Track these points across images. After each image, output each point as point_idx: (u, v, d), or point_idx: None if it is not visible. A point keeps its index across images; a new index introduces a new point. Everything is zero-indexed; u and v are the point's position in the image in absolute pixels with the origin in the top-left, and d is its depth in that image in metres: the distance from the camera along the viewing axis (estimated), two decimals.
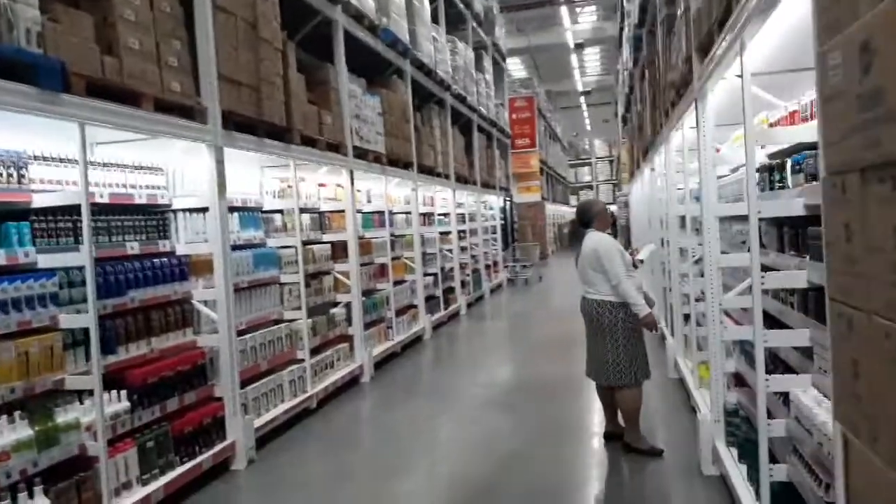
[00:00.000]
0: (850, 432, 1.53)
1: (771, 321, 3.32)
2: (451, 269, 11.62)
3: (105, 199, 3.84)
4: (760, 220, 3.60)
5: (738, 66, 3.19)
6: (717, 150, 4.48)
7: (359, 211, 7.52)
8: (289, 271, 5.86)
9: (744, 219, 4.06)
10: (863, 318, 1.41)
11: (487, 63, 15.40)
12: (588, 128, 44.13)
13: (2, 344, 3.13)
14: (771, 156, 3.56)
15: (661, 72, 6.49)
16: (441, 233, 11.11)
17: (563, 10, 22.82)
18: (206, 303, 4.62)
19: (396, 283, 8.61)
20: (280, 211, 6.03)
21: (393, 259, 8.53)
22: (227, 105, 4.62)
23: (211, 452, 4.33)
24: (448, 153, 11.19)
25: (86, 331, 3.51)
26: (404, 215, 9.46)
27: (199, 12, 4.45)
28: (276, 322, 5.64)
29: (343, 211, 7.11)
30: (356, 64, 7.17)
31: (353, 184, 6.99)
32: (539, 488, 4.15)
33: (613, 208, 19.59)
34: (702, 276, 5.25)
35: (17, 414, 3.14)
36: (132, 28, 3.74)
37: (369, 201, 8.23)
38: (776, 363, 3.41)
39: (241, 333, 4.93)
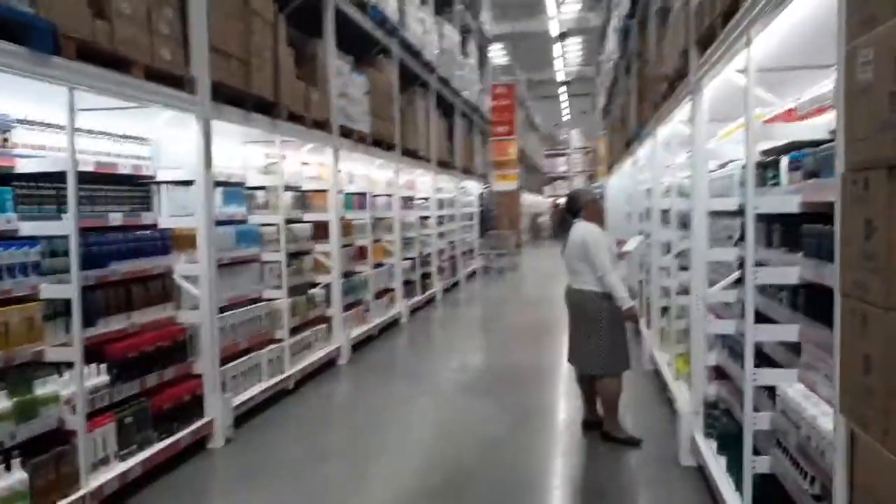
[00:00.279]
0: (857, 426, 1.55)
1: (755, 316, 3.36)
2: (429, 255, 11.60)
3: (90, 168, 3.73)
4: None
5: (739, 60, 3.21)
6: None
7: (340, 191, 7.44)
8: (270, 249, 5.78)
9: (731, 214, 4.12)
10: (880, 314, 1.43)
11: (472, 47, 15.33)
12: (565, 118, 44.29)
13: None
14: (763, 153, 3.59)
15: (651, 64, 6.51)
16: (420, 217, 11.07)
17: None
18: (187, 278, 4.54)
19: (375, 265, 8.56)
20: (262, 188, 5.93)
21: (373, 242, 8.47)
22: (216, 76, 4.52)
23: (189, 430, 4.27)
24: (430, 137, 11.13)
25: (67, 302, 3.42)
26: (385, 198, 9.40)
27: None
28: (255, 301, 5.57)
29: (325, 191, 7.02)
30: (343, 41, 7.07)
31: (337, 163, 6.91)
32: (516, 473, 4.18)
33: None
34: (682, 269, 5.33)
35: None
36: None
37: (351, 182, 8.15)
38: (759, 358, 3.46)
39: (221, 311, 4.86)
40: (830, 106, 2.88)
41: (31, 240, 3.32)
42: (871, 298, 1.45)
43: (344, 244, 7.34)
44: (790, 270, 2.85)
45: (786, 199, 2.87)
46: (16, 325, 3.17)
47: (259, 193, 5.88)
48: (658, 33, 6.14)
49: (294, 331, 6.08)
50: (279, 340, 5.76)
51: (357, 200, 8.14)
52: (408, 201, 10.53)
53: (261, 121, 5.23)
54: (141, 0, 3.77)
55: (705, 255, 4.08)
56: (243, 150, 6.07)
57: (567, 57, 32.41)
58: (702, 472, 3.90)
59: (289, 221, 6.12)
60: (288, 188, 6.18)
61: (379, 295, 8.63)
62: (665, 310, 6.37)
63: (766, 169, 3.45)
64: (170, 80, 4.07)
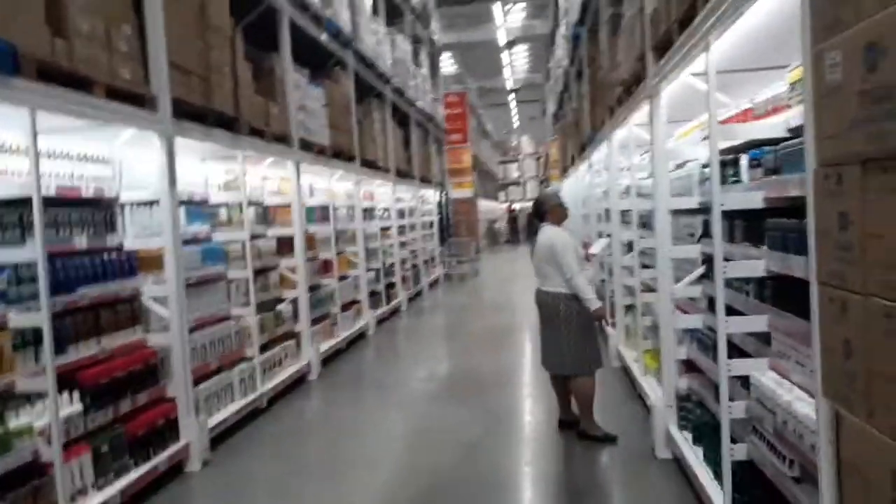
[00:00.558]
0: (842, 408, 1.64)
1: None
2: (393, 265, 11.60)
3: (51, 192, 3.65)
4: (708, 212, 3.78)
5: (697, 64, 3.34)
6: None
7: (302, 205, 7.39)
8: (235, 267, 5.72)
9: (690, 212, 4.26)
10: (859, 300, 1.52)
11: (424, 57, 15.42)
12: (515, 125, 44.81)
13: None
14: (722, 151, 3.72)
15: (604, 69, 6.67)
16: (382, 228, 11.07)
17: (497, 6, 23.04)
18: (155, 299, 4.46)
19: (341, 278, 8.53)
20: (225, 204, 5.87)
21: (337, 254, 8.44)
22: (177, 93, 4.46)
23: (166, 454, 4.19)
24: (388, 147, 11.15)
25: (35, 330, 3.33)
26: (346, 210, 9.37)
27: None
28: (223, 320, 5.49)
29: (287, 205, 6.98)
30: (299, 54, 7.04)
31: (299, 177, 6.87)
32: (494, 476, 4.23)
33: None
34: (644, 267, 5.47)
35: None
36: (83, 11, 3.55)
37: (312, 195, 8.11)
38: (729, 348, 3.57)
39: (190, 331, 4.78)
40: (786, 105, 3.03)
41: None
42: (850, 286, 1.54)
43: (308, 258, 7.30)
44: (757, 263, 2.97)
45: (750, 196, 2.99)
46: None
47: (221, 210, 5.81)
48: (610, 40, 6.30)
49: (263, 348, 6.01)
50: (250, 358, 5.69)
51: (319, 213, 8.10)
52: (369, 212, 10.53)
53: (222, 136, 5.18)
54: (99, 18, 3.70)
55: (670, 253, 4.20)
56: (202, 167, 6.00)
57: (514, 65, 32.84)
58: (678, 463, 4.01)
59: (253, 237, 6.06)
60: (251, 203, 6.13)
61: (345, 307, 8.59)
62: (629, 307, 6.52)
63: (726, 167, 3.58)
64: (131, 98, 4.00)
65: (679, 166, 4.73)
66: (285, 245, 6.86)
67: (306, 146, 7.06)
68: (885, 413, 1.44)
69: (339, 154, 8.25)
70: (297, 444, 5.07)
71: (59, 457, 3.29)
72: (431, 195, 16.40)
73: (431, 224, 16.06)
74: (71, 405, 3.55)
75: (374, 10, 10.78)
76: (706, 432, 3.70)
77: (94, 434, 3.71)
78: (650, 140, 4.36)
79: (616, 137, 6.41)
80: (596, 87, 7.60)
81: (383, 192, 11.77)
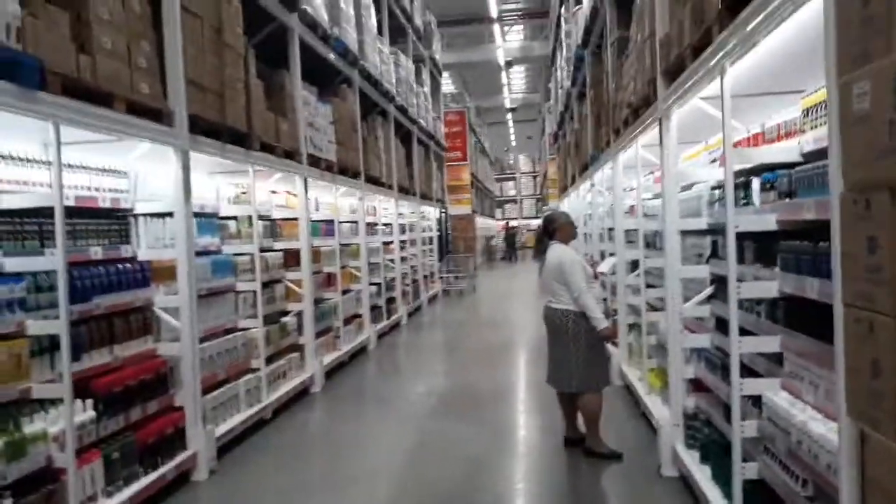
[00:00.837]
0: (868, 426, 1.69)
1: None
2: (394, 279, 11.64)
3: (71, 202, 3.68)
4: (717, 233, 3.85)
5: (710, 89, 3.42)
6: None
7: (309, 219, 7.44)
8: (243, 279, 5.75)
9: (699, 233, 4.32)
10: (888, 321, 1.57)
11: (425, 76, 15.58)
12: (513, 143, 45.13)
13: None
14: (734, 174, 3.79)
15: (609, 92, 6.76)
16: (384, 243, 11.13)
17: (496, 27, 23.31)
18: (166, 310, 4.48)
19: (344, 292, 8.56)
20: (234, 217, 5.91)
21: (340, 268, 8.48)
22: (193, 109, 4.52)
23: (174, 463, 4.20)
24: (391, 164, 11.24)
25: (52, 337, 3.36)
26: (349, 224, 9.42)
27: (168, 14, 4.34)
28: (230, 331, 5.51)
29: (294, 219, 7.03)
30: (307, 72, 7.14)
31: (307, 192, 6.93)
32: (500, 493, 4.24)
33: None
34: (650, 287, 5.53)
35: None
36: (106, 27, 3.61)
37: (317, 209, 8.16)
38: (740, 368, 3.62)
39: (199, 342, 4.80)
40: (799, 130, 3.10)
41: (17, 276, 3.26)
42: (878, 307, 1.59)
43: (313, 271, 7.33)
44: (770, 284, 3.02)
45: (763, 218, 3.05)
46: (3, 362, 3.10)
47: (231, 223, 5.85)
48: (615, 63, 6.41)
49: (269, 360, 6.03)
50: (255, 370, 5.71)
51: (324, 228, 8.15)
52: (372, 227, 10.59)
53: (235, 152, 5.24)
54: (120, 34, 3.77)
55: (679, 273, 4.25)
56: (211, 181, 6.05)
57: (512, 85, 33.17)
58: (685, 481, 4.03)
59: (262, 250, 6.09)
60: (260, 217, 6.17)
61: (348, 321, 8.61)
62: (632, 326, 6.56)
63: (737, 190, 3.65)
64: (149, 113, 4.06)
65: (685, 188, 4.80)
66: (291, 258, 6.90)
67: (314, 162, 7.13)
68: None
69: (344, 170, 8.32)
70: (301, 455, 5.08)
71: (73, 463, 3.30)
72: (432, 211, 16.48)
73: (431, 240, 16.13)
74: (84, 412, 3.56)
75: (379, 30, 10.90)
76: (714, 451, 3.74)
77: (106, 441, 3.72)
78: (660, 162, 4.42)
79: (621, 158, 6.49)
80: (600, 109, 7.70)
81: (386, 208, 11.84)
